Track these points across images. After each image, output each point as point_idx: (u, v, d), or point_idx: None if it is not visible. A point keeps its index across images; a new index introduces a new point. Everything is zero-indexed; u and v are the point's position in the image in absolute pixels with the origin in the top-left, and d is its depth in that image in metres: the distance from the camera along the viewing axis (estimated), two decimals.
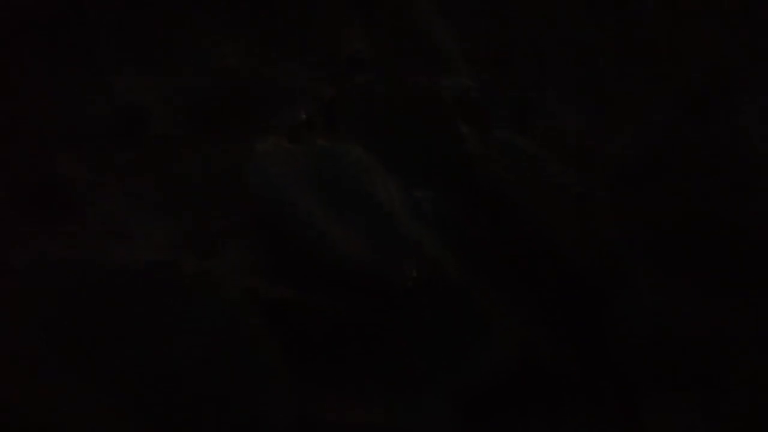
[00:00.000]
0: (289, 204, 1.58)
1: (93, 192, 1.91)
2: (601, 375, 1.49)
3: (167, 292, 1.35)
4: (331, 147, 1.74)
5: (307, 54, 2.85)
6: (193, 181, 1.88)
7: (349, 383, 1.42)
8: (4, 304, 1.35)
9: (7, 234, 1.77)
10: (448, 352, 1.43)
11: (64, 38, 3.28)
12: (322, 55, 2.80)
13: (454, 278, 1.50)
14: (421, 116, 1.93)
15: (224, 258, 1.56)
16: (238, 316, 1.35)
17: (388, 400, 1.39)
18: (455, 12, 3.05)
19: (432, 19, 2.64)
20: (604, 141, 1.96)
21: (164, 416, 1.26)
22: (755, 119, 1.97)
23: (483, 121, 1.93)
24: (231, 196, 1.74)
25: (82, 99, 2.73)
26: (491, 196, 1.72)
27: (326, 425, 1.28)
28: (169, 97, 2.48)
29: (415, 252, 1.54)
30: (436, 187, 1.74)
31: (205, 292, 1.35)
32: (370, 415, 1.33)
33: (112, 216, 1.77)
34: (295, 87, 2.44)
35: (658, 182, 1.81)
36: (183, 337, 1.33)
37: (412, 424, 1.33)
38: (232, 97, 2.44)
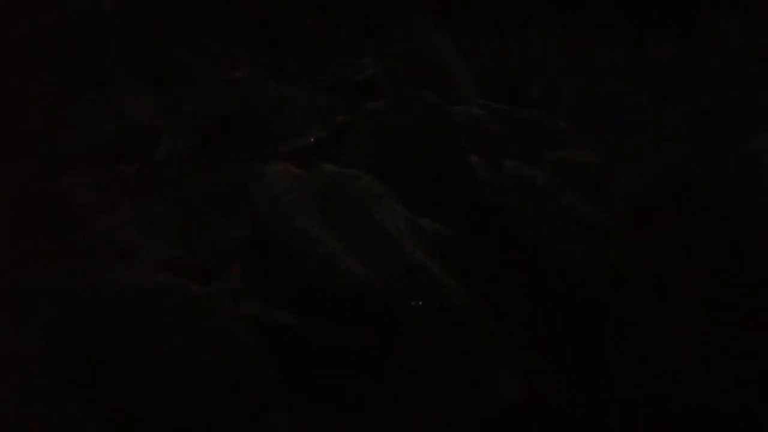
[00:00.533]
0: (295, 229, 1.57)
1: (98, 209, 1.90)
2: (606, 404, 1.47)
3: (168, 313, 1.33)
4: (340, 172, 1.73)
5: (319, 79, 2.86)
6: (199, 201, 1.87)
7: (351, 410, 1.40)
8: (5, 318, 1.34)
9: (11, 249, 1.77)
10: (453, 380, 1.41)
11: (73, 56, 3.30)
12: (335, 80, 2.81)
13: (460, 306, 1.48)
14: (431, 144, 1.92)
15: (228, 281, 1.54)
16: (239, 341, 1.33)
17: (390, 427, 1.37)
18: (468, 40, 3.06)
19: (444, 47, 2.65)
20: (615, 170, 1.95)
21: None
22: (764, 145, 1.96)
23: (493, 150, 1.92)
24: (237, 219, 1.73)
25: (90, 116, 2.74)
26: (500, 226, 1.71)
27: None
28: (178, 117, 2.49)
29: (421, 280, 1.52)
30: (444, 215, 1.73)
31: (207, 315, 1.34)
32: None
33: (115, 234, 1.76)
34: (306, 111, 2.44)
35: (668, 211, 1.80)
36: (183, 359, 1.31)
37: None
38: (242, 118, 2.44)
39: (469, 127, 2.02)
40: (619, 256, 1.64)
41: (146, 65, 3.39)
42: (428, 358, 1.45)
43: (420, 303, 1.47)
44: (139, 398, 1.28)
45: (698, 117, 2.49)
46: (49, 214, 2.03)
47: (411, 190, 1.76)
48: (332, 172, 1.72)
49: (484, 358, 1.43)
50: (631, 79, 2.93)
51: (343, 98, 2.55)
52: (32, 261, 1.69)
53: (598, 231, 1.73)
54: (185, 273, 1.50)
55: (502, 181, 1.79)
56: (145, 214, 1.88)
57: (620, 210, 1.85)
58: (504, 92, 2.67)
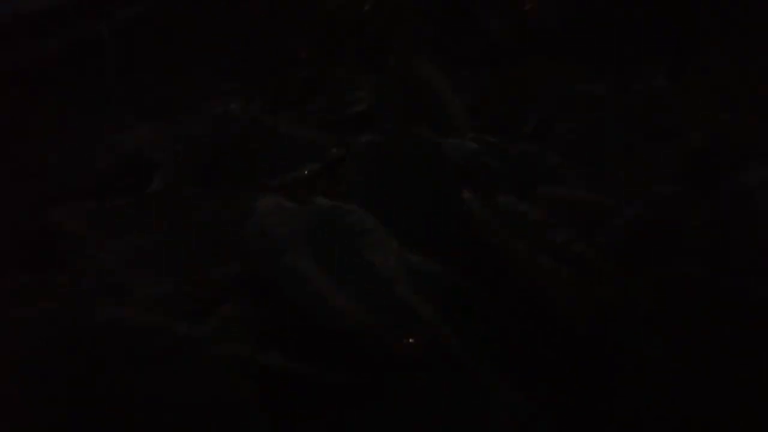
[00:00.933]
0: (286, 265, 1.56)
1: (89, 243, 1.89)
2: None
3: (156, 354, 1.32)
4: (332, 206, 1.72)
5: (313, 112, 2.86)
6: (192, 236, 1.86)
7: None
8: None
9: (2, 285, 1.75)
10: (444, 421, 1.39)
11: (67, 86, 3.30)
12: (328, 113, 2.81)
13: (452, 346, 1.46)
14: (424, 178, 1.92)
15: (218, 318, 1.53)
16: (229, 383, 1.32)
17: None
18: (462, 74, 3.06)
19: (439, 81, 2.65)
20: (609, 207, 1.94)
21: None
22: (757, 182, 1.96)
23: (487, 185, 1.92)
24: (229, 255, 1.72)
25: (83, 148, 2.74)
26: (493, 263, 1.70)
27: None
28: (172, 150, 2.48)
29: (412, 319, 1.51)
30: (436, 251, 1.72)
31: (194, 355, 1.32)
32: None
33: (107, 270, 1.75)
34: (299, 144, 2.43)
35: (663, 247, 1.79)
36: (170, 400, 1.30)
37: None
38: (236, 152, 2.44)
39: (463, 162, 2.01)
40: (613, 293, 1.63)
41: (141, 96, 3.39)
42: (419, 397, 1.43)
43: (411, 342, 1.45)
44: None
45: (691, 152, 2.49)
46: (40, 247, 2.01)
47: (404, 225, 1.75)
48: (325, 206, 1.72)
49: (476, 398, 1.42)
50: (624, 114, 2.93)
51: (336, 131, 2.54)
52: (21, 296, 1.67)
53: (592, 268, 1.72)
54: (175, 310, 1.49)
55: (496, 216, 1.78)
56: (137, 249, 1.87)
57: (614, 246, 1.84)
58: (497, 125, 2.67)
